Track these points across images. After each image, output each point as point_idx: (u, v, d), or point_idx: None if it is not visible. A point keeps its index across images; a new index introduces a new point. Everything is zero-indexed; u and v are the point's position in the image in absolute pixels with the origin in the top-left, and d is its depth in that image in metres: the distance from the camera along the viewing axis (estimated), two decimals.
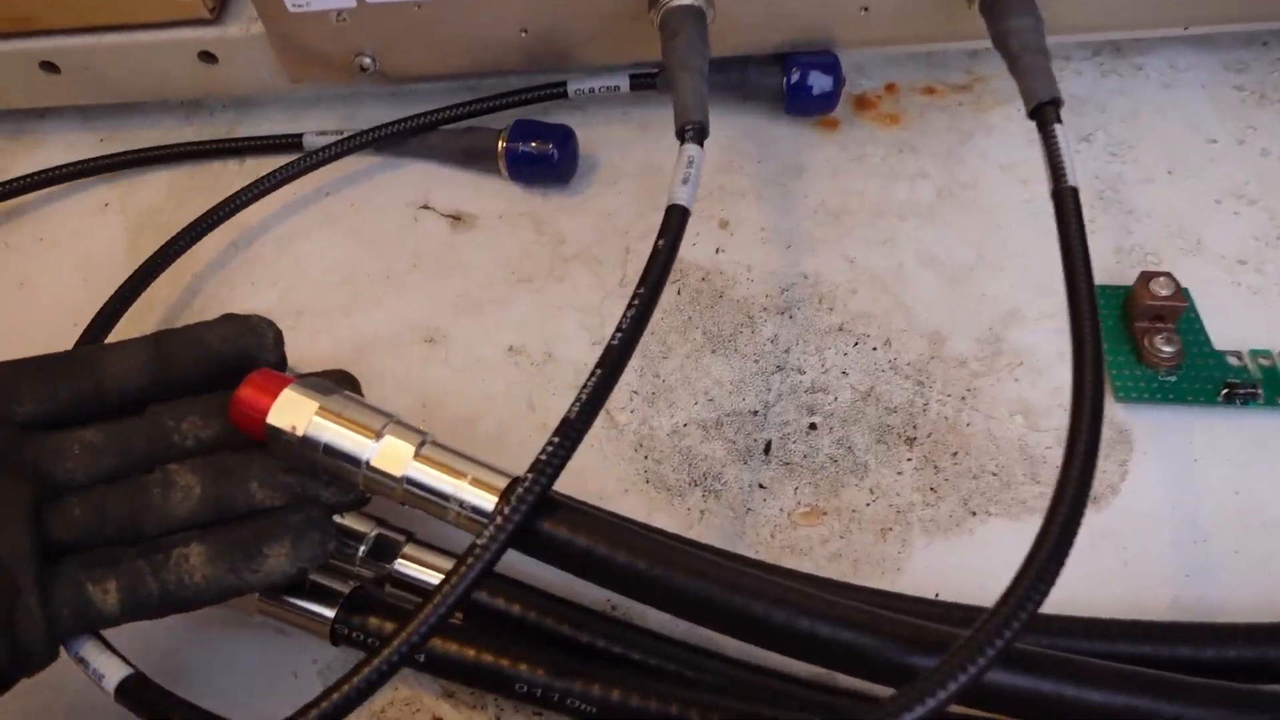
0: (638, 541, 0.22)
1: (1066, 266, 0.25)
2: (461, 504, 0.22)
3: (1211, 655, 0.23)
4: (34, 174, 0.38)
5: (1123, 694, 0.21)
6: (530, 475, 0.22)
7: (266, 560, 0.22)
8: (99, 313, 0.32)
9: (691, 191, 0.28)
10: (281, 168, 0.36)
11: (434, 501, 0.22)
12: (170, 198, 0.38)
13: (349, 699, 0.20)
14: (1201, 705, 0.21)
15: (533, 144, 0.36)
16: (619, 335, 0.25)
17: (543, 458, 0.23)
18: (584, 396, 0.24)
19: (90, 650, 0.22)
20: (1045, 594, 0.20)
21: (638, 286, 0.26)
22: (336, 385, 0.24)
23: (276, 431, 0.23)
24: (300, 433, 0.23)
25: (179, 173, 0.39)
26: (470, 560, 0.21)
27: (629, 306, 0.25)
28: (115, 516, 0.22)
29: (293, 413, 0.23)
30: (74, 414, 0.23)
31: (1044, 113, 0.27)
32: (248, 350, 0.24)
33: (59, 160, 0.39)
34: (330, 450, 0.23)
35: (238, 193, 0.36)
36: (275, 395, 0.23)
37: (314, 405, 0.23)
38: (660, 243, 0.27)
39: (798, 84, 0.36)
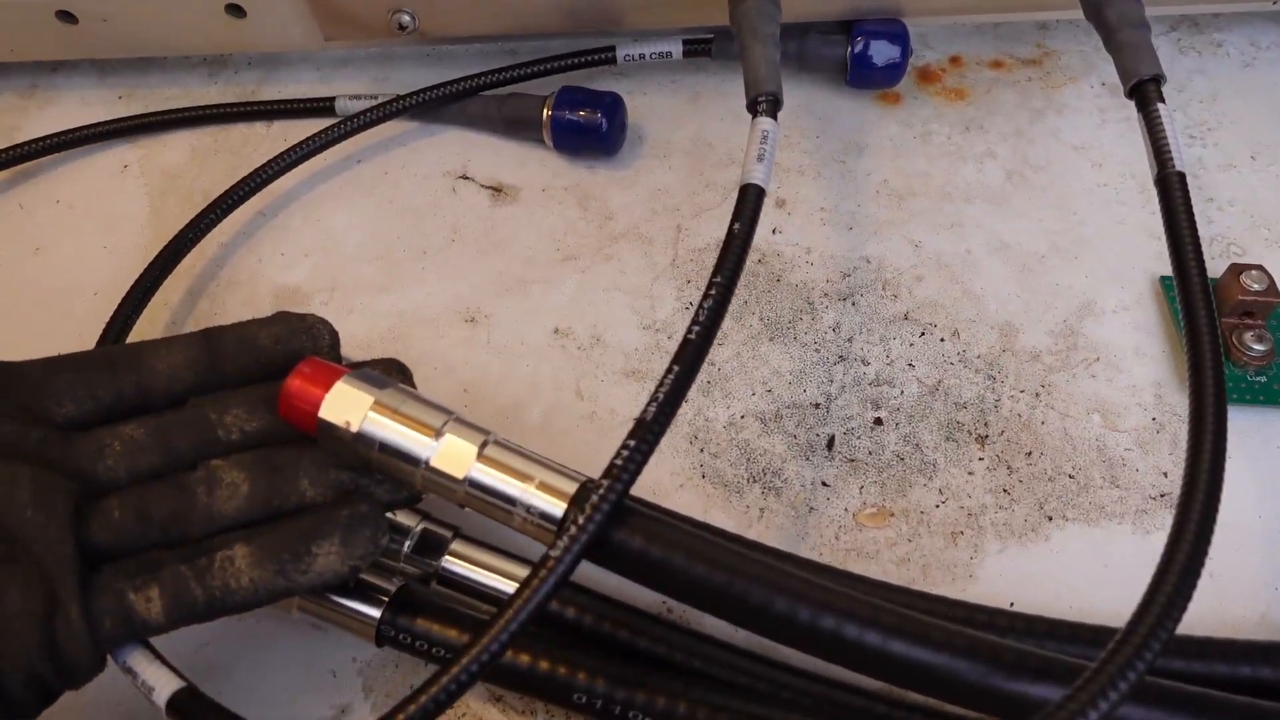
0: (714, 553, 0.20)
1: (1176, 261, 0.23)
2: (529, 509, 0.21)
3: None
4: (53, 135, 0.35)
5: None
6: (606, 482, 0.21)
7: (316, 560, 0.20)
8: (126, 296, 0.30)
9: (767, 169, 0.26)
10: (314, 135, 0.34)
11: (498, 506, 0.21)
12: (193, 160, 0.36)
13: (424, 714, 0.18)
14: None
15: (580, 113, 0.34)
16: (696, 329, 0.23)
17: (618, 462, 0.21)
18: (661, 396, 0.22)
19: (139, 660, 0.20)
20: (1179, 617, 0.18)
21: (713, 275, 0.24)
22: (389, 377, 0.22)
23: (329, 427, 0.21)
24: (354, 429, 0.21)
25: (203, 134, 0.37)
26: (543, 573, 0.19)
27: (705, 296, 0.23)
28: (159, 518, 0.20)
29: (346, 407, 0.21)
30: (115, 414, 0.22)
31: (1145, 91, 0.25)
32: (301, 352, 0.23)
33: (73, 118, 0.37)
34: (386, 448, 0.21)
35: (268, 163, 0.34)
36: (327, 387, 0.21)
37: (369, 400, 0.21)
38: (736, 226, 0.25)
39: (861, 54, 0.34)
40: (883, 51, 0.34)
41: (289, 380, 0.21)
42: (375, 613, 0.23)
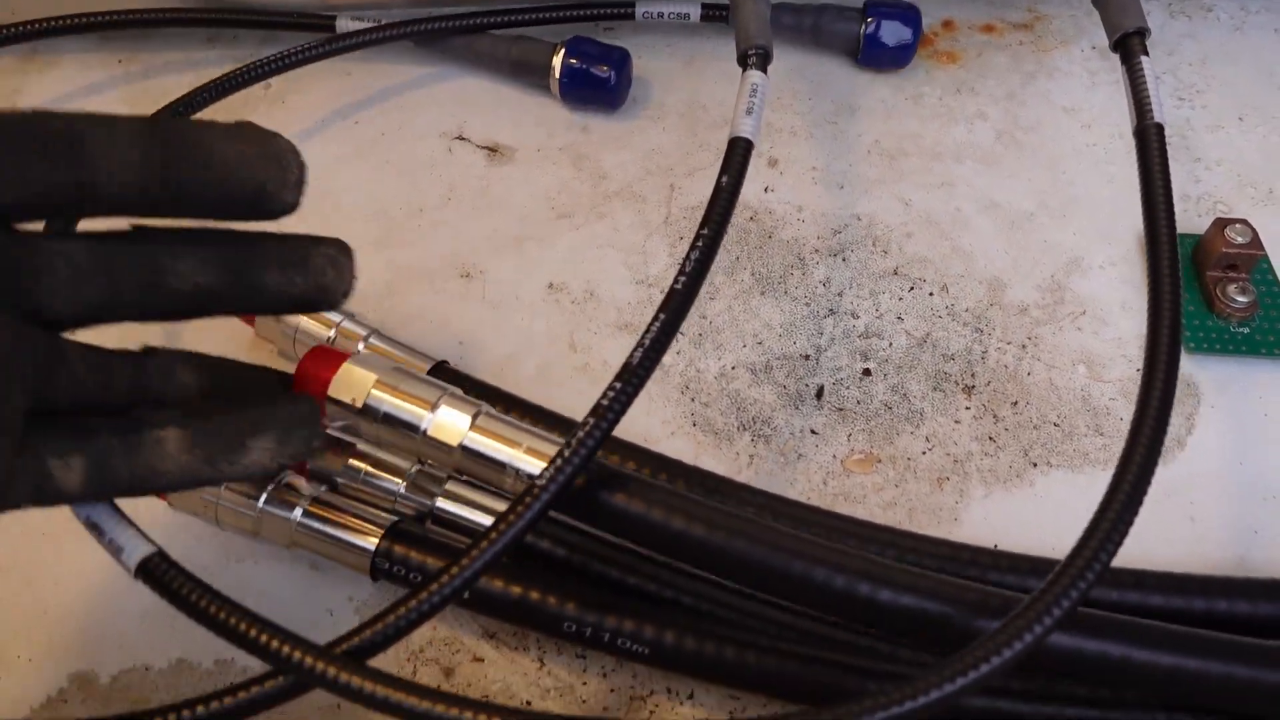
0: (694, 509, 0.21)
1: (1147, 208, 0.23)
2: (518, 471, 0.22)
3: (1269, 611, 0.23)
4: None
5: (1194, 658, 0.20)
6: (592, 420, 0.21)
7: (249, 454, 0.20)
8: None
9: (756, 123, 0.26)
10: (312, 43, 0.34)
11: (491, 469, 0.22)
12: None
13: (397, 628, 0.19)
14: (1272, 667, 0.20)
15: (590, 64, 0.34)
16: (682, 279, 0.23)
17: (604, 402, 0.22)
18: (647, 341, 0.22)
19: (106, 518, 0.20)
20: (1114, 551, 0.19)
21: (700, 227, 0.24)
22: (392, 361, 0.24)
23: (338, 402, 0.23)
24: (360, 404, 0.23)
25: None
26: (529, 499, 0.20)
27: (692, 248, 0.24)
28: (118, 388, 0.20)
29: (352, 386, 0.23)
30: (44, 208, 0.19)
31: (1129, 44, 0.26)
32: (264, 184, 0.20)
33: (74, 81, 0.37)
34: (389, 419, 0.23)
35: (264, 60, 0.34)
36: (335, 369, 0.23)
37: (372, 378, 0.23)
38: (724, 179, 0.25)
39: (873, 34, 0.35)
40: (894, 32, 0.35)
41: (301, 364, 0.24)
42: (371, 545, 0.23)
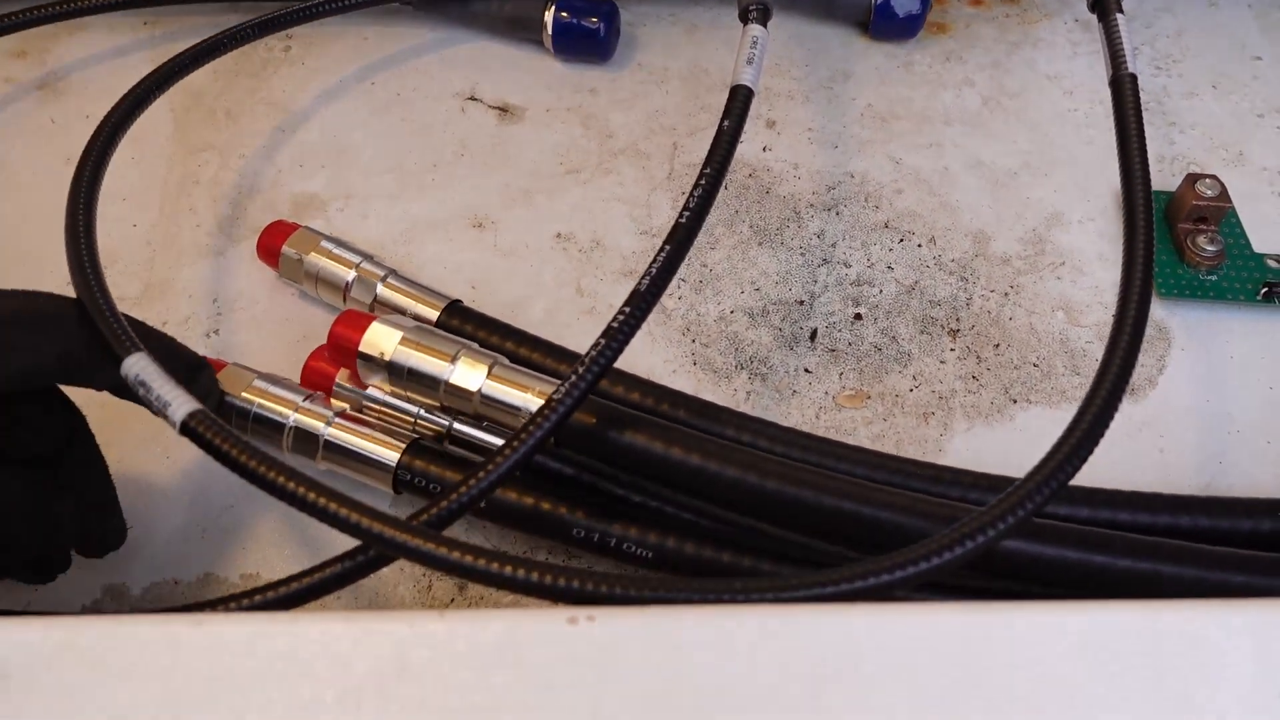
0: (691, 441, 0.23)
1: (1122, 147, 0.25)
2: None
3: (1227, 527, 0.24)
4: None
5: (1146, 560, 0.22)
6: (603, 341, 0.23)
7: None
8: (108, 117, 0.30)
9: (756, 73, 0.28)
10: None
11: (507, 412, 0.25)
12: (215, 81, 0.38)
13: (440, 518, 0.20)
14: (1216, 569, 0.22)
15: (580, 16, 0.36)
16: (686, 214, 0.25)
17: (614, 325, 0.23)
18: (654, 270, 0.24)
19: (152, 376, 0.21)
20: (1076, 468, 0.20)
21: (704, 167, 0.26)
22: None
23: (368, 357, 0.26)
24: (388, 358, 0.25)
25: (224, 58, 0.39)
26: (554, 403, 0.21)
27: (695, 185, 0.26)
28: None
29: (380, 341, 0.26)
30: None
31: (1106, 1, 0.28)
32: None
33: (100, 42, 0.39)
34: (414, 372, 0.25)
35: (274, 15, 0.34)
36: (364, 329, 0.26)
37: (398, 335, 0.26)
38: (725, 123, 0.27)
39: (884, 5, 0.36)
40: (904, 4, 0.36)
41: (334, 326, 0.26)
42: (394, 458, 0.25)
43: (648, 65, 0.38)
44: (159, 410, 0.20)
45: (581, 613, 0.16)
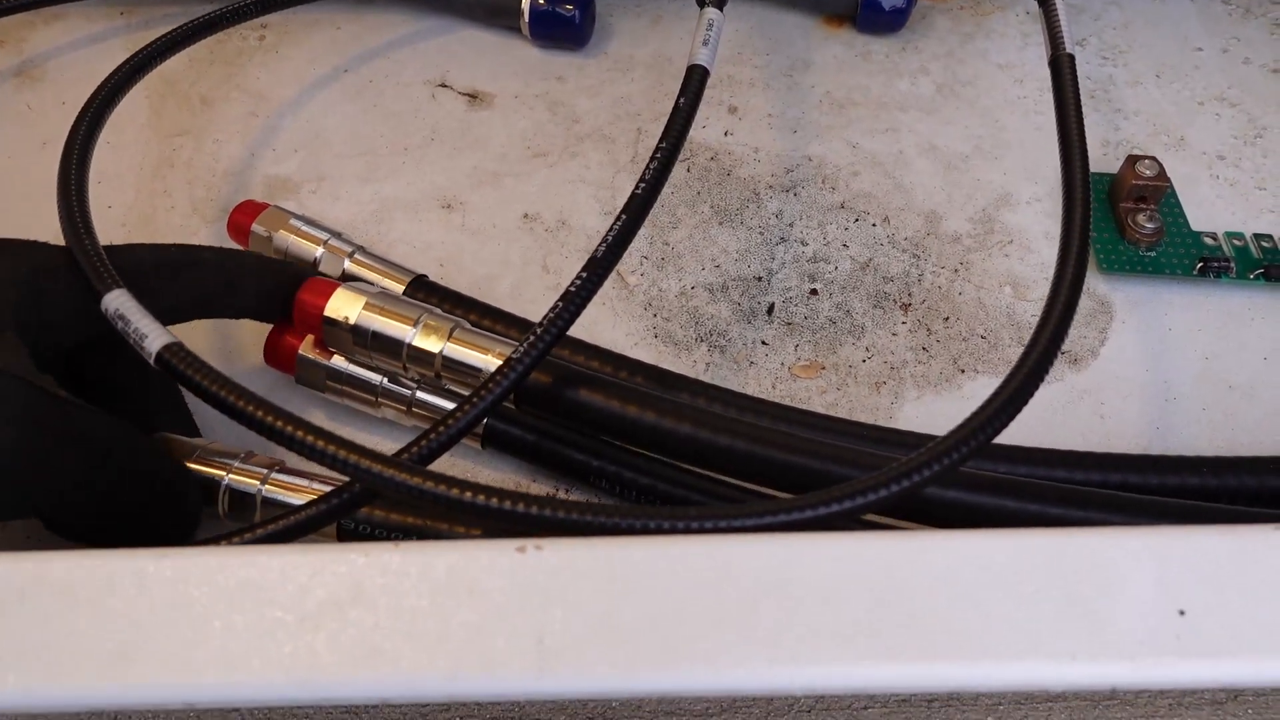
0: (646, 399, 0.24)
1: (1060, 123, 0.26)
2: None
3: (1156, 483, 0.26)
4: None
5: (1077, 509, 0.23)
6: (560, 304, 0.24)
7: None
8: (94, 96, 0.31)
9: (711, 54, 0.29)
10: None
11: (469, 374, 0.26)
12: (191, 68, 0.39)
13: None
14: (1143, 516, 0.23)
15: (556, 4, 0.37)
16: (641, 185, 0.26)
17: (571, 289, 0.24)
18: (610, 238, 0.25)
19: (130, 309, 0.21)
20: (1003, 422, 0.21)
21: (660, 141, 0.27)
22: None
23: (332, 321, 0.26)
24: (352, 322, 0.26)
25: (199, 46, 0.39)
26: (506, 369, 0.22)
27: (651, 159, 0.27)
28: None
29: (345, 307, 0.26)
30: None
31: None
32: None
33: (78, 30, 0.40)
34: (378, 336, 0.26)
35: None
36: (329, 295, 0.27)
37: (362, 300, 0.26)
38: (681, 100, 0.28)
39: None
40: None
41: (300, 293, 0.27)
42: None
43: (614, 54, 0.39)
44: (136, 343, 0.21)
45: (530, 542, 0.17)
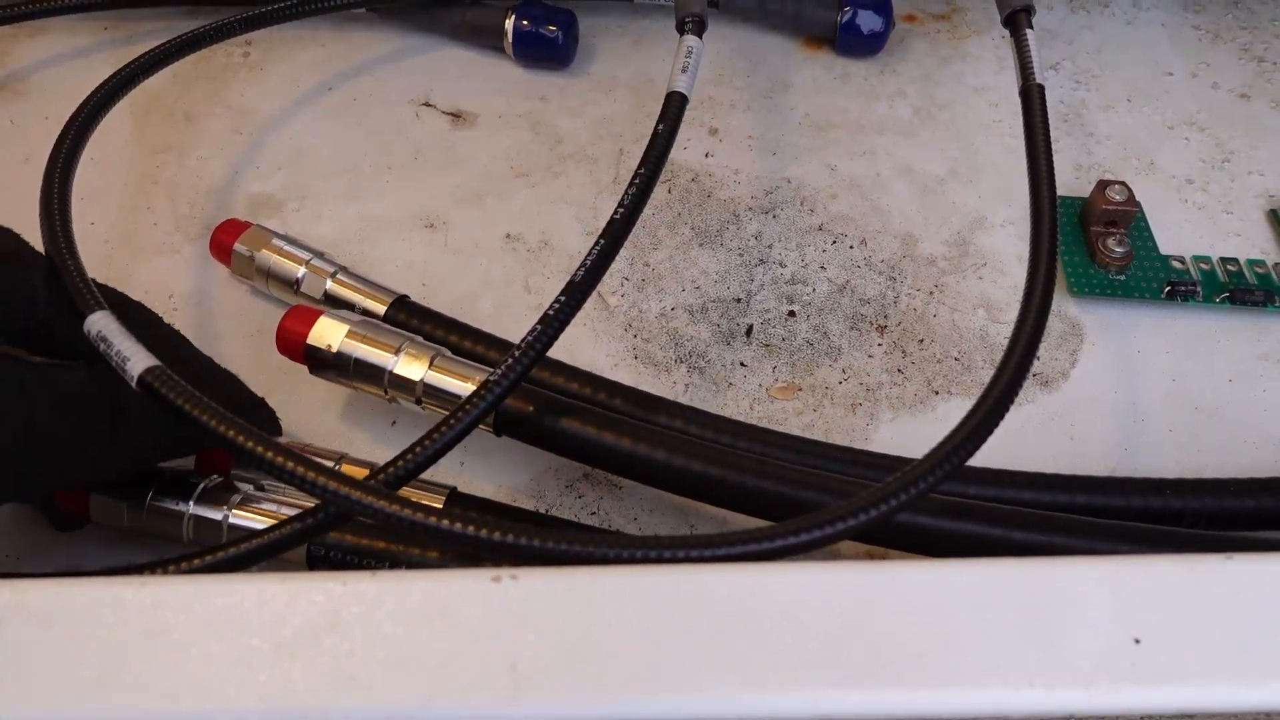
0: (624, 427, 0.25)
1: (1030, 150, 0.27)
2: None
3: (1121, 504, 0.26)
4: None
5: (1039, 533, 0.24)
6: (539, 326, 0.24)
7: None
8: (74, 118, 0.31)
9: (690, 80, 0.29)
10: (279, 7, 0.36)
11: (450, 402, 0.26)
12: (175, 84, 0.39)
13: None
14: (1104, 540, 0.24)
15: (539, 25, 0.37)
16: (620, 210, 0.27)
17: (550, 312, 0.25)
18: (589, 262, 0.26)
19: (113, 331, 0.22)
20: (973, 448, 0.21)
21: (639, 167, 0.27)
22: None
23: (315, 349, 0.27)
24: (335, 350, 0.26)
25: (184, 62, 0.40)
26: (483, 391, 0.23)
27: (630, 184, 0.27)
28: None
29: (327, 335, 0.27)
30: None
31: (1017, 19, 0.30)
32: None
33: (62, 45, 0.40)
34: (360, 364, 0.26)
35: (230, 19, 0.35)
36: (312, 323, 0.27)
37: (345, 328, 0.27)
38: (660, 127, 0.28)
39: (849, 22, 0.38)
40: (868, 21, 0.38)
41: (283, 321, 0.27)
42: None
43: (597, 74, 0.40)
44: (118, 365, 0.21)
45: (505, 572, 0.17)
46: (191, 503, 0.25)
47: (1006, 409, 0.23)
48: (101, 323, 0.22)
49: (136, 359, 0.21)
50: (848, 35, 0.39)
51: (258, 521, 0.25)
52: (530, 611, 0.17)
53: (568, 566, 0.18)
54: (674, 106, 0.29)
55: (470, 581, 0.17)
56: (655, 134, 0.28)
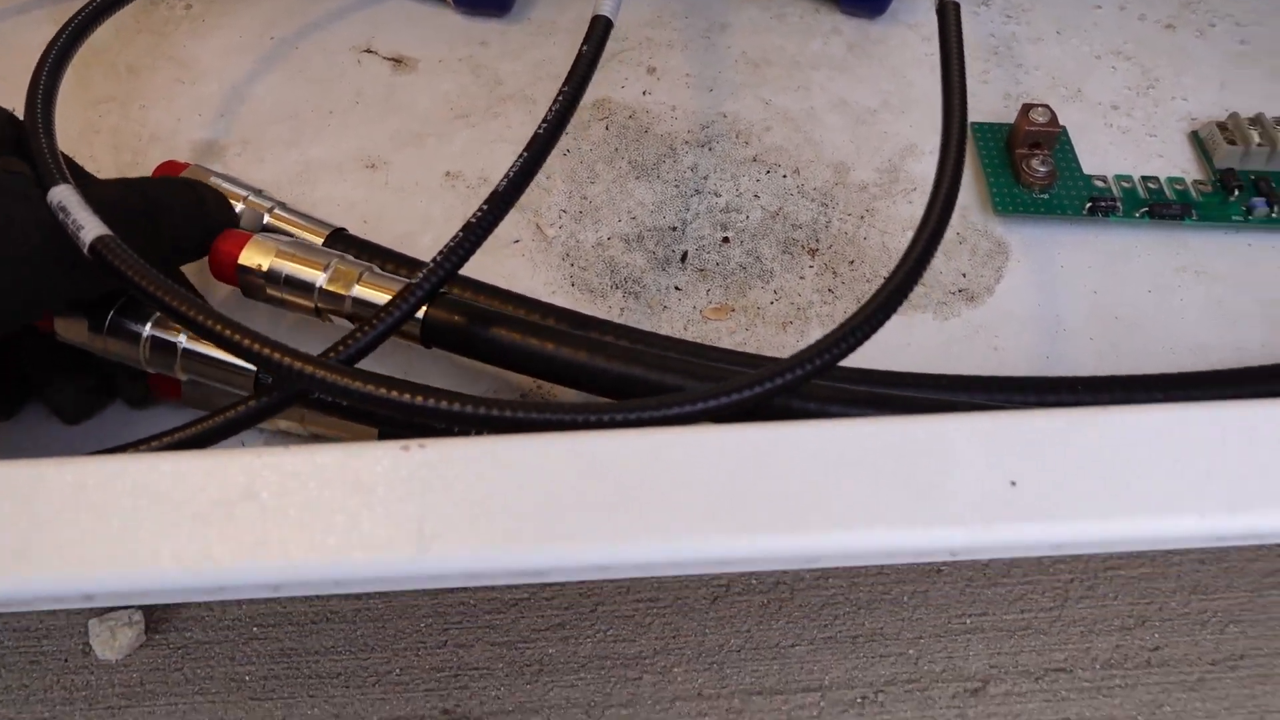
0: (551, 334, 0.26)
1: (944, 59, 0.28)
2: None
3: (1035, 400, 0.27)
4: None
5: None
6: (461, 234, 0.25)
7: None
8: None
9: (615, 5, 0.30)
10: None
11: None
12: (117, 38, 0.39)
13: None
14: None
15: None
16: (543, 125, 0.27)
17: (472, 221, 0.25)
18: (511, 174, 0.26)
19: (71, 201, 0.23)
20: (851, 344, 0.22)
21: (562, 85, 0.28)
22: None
23: (246, 269, 0.27)
24: (265, 269, 0.27)
25: (124, 14, 0.40)
26: (405, 293, 0.23)
27: (554, 101, 0.28)
28: None
29: (258, 255, 0.27)
30: None
31: None
32: None
33: (3, 4, 0.40)
34: (290, 280, 0.27)
35: None
36: (243, 244, 0.28)
37: (275, 247, 0.28)
38: (584, 48, 0.29)
39: None
40: None
41: (215, 243, 0.28)
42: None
43: (537, 20, 0.40)
44: (74, 233, 0.22)
45: (414, 442, 0.18)
46: (149, 325, 0.26)
47: (899, 301, 0.24)
48: (62, 194, 0.23)
49: (90, 227, 0.22)
50: None
51: (211, 349, 0.27)
52: (437, 476, 0.18)
53: (475, 437, 0.18)
54: (599, 29, 0.29)
55: (381, 451, 0.18)
56: (580, 55, 0.29)
